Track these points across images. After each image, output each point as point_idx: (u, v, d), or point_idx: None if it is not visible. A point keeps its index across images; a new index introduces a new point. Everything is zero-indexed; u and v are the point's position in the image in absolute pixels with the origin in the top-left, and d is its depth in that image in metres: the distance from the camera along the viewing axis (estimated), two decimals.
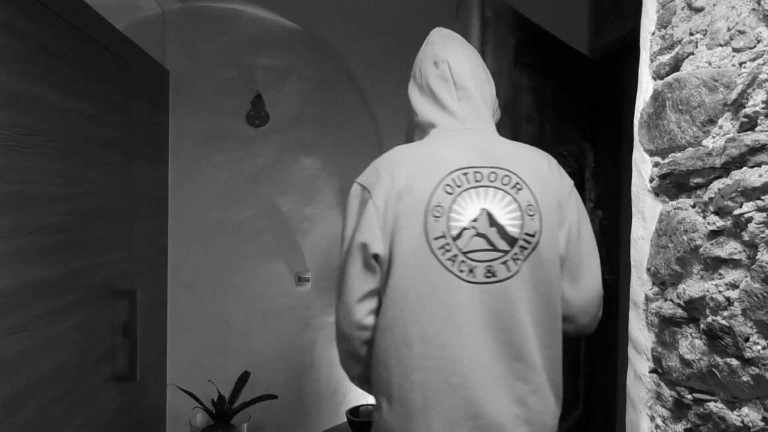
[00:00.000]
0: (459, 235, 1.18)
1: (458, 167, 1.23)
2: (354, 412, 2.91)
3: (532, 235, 1.20)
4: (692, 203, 0.95)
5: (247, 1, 2.94)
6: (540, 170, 1.27)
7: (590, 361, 2.49)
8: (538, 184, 1.24)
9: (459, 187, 1.21)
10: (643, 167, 1.10)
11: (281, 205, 3.04)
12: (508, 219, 1.20)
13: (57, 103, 1.58)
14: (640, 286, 1.11)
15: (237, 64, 2.99)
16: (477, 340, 1.16)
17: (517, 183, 1.22)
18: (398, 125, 3.03)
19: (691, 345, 0.94)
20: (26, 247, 1.41)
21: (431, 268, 1.18)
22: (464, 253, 1.18)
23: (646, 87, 1.11)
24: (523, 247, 1.19)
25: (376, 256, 1.21)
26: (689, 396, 0.95)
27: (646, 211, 1.09)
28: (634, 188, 1.14)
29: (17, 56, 1.37)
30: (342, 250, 1.28)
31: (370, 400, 3.07)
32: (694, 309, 0.94)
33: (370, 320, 1.24)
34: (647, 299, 1.08)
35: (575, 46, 2.59)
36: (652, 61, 1.09)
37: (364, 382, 1.32)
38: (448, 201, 1.20)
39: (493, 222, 1.20)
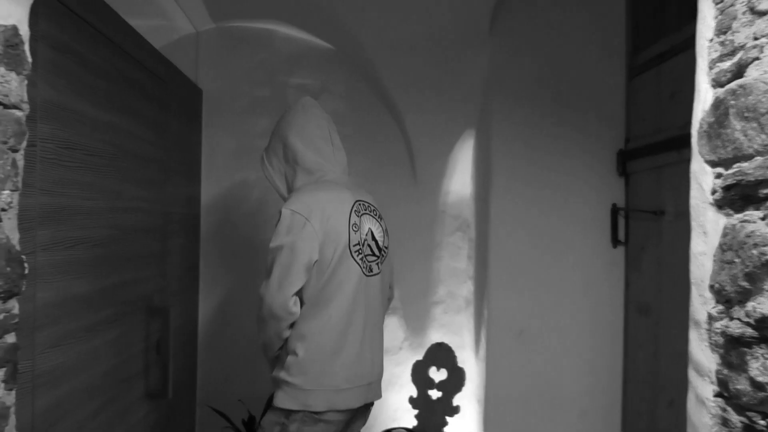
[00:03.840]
0: (363, 243, 1.89)
1: (356, 200, 1.91)
2: None
3: (387, 248, 2.01)
4: (762, 215, 0.90)
5: (280, 22, 2.96)
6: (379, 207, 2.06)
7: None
8: (383, 216, 2.04)
9: (360, 212, 1.91)
10: (704, 179, 1.05)
11: None
12: (379, 236, 1.97)
13: (97, 118, 1.59)
14: (701, 304, 1.05)
15: (270, 83, 3.00)
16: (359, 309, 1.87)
17: (380, 215, 2.02)
18: (431, 144, 3.02)
19: (763, 366, 0.88)
20: (65, 261, 1.40)
21: (351, 264, 1.85)
22: (365, 255, 1.89)
23: (704, 96, 1.06)
24: (383, 255, 1.98)
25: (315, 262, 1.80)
26: (762, 421, 0.89)
27: (708, 225, 1.04)
28: (693, 201, 1.09)
29: (60, 71, 1.38)
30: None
31: (402, 422, 3.01)
32: (766, 328, 0.88)
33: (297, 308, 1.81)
34: (710, 318, 1.02)
35: (613, 64, 2.55)
36: (710, 68, 1.05)
37: (274, 353, 1.88)
38: (357, 221, 1.88)
39: (373, 237, 1.93)
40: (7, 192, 0.98)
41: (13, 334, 1.01)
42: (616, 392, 2.56)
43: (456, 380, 2.92)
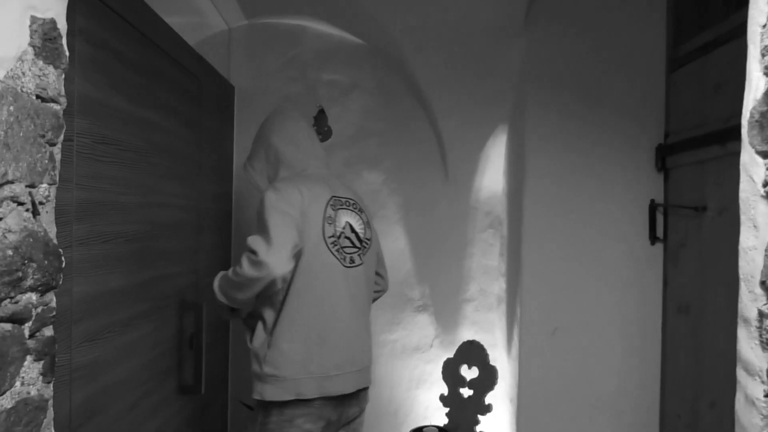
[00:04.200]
0: (339, 236, 1.93)
1: (332, 195, 1.97)
2: None
3: (369, 239, 2.07)
4: None
5: (312, 17, 2.96)
6: (361, 202, 2.14)
7: None
8: (365, 210, 2.11)
9: (337, 207, 1.96)
10: (755, 171, 1.00)
11: None
12: (359, 229, 2.02)
13: (131, 113, 1.60)
14: (751, 301, 1.00)
15: (301, 79, 3.00)
16: (343, 299, 1.92)
17: (360, 209, 2.07)
18: (463, 139, 2.99)
19: None
20: (101, 255, 1.41)
21: (327, 256, 1.89)
22: (342, 247, 1.94)
23: (756, 84, 1.01)
24: (365, 247, 2.03)
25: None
26: None
27: (759, 219, 0.99)
28: (743, 194, 1.04)
29: (96, 66, 1.39)
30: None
31: (433, 420, 2.98)
32: None
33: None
34: (761, 315, 0.98)
35: (653, 56, 2.47)
36: (763, 55, 1.00)
37: (241, 306, 1.94)
38: (333, 214, 1.93)
39: (352, 230, 1.99)
40: (44, 185, 0.99)
41: (50, 327, 1.01)
42: (654, 392, 2.50)
43: (488, 378, 2.89)
